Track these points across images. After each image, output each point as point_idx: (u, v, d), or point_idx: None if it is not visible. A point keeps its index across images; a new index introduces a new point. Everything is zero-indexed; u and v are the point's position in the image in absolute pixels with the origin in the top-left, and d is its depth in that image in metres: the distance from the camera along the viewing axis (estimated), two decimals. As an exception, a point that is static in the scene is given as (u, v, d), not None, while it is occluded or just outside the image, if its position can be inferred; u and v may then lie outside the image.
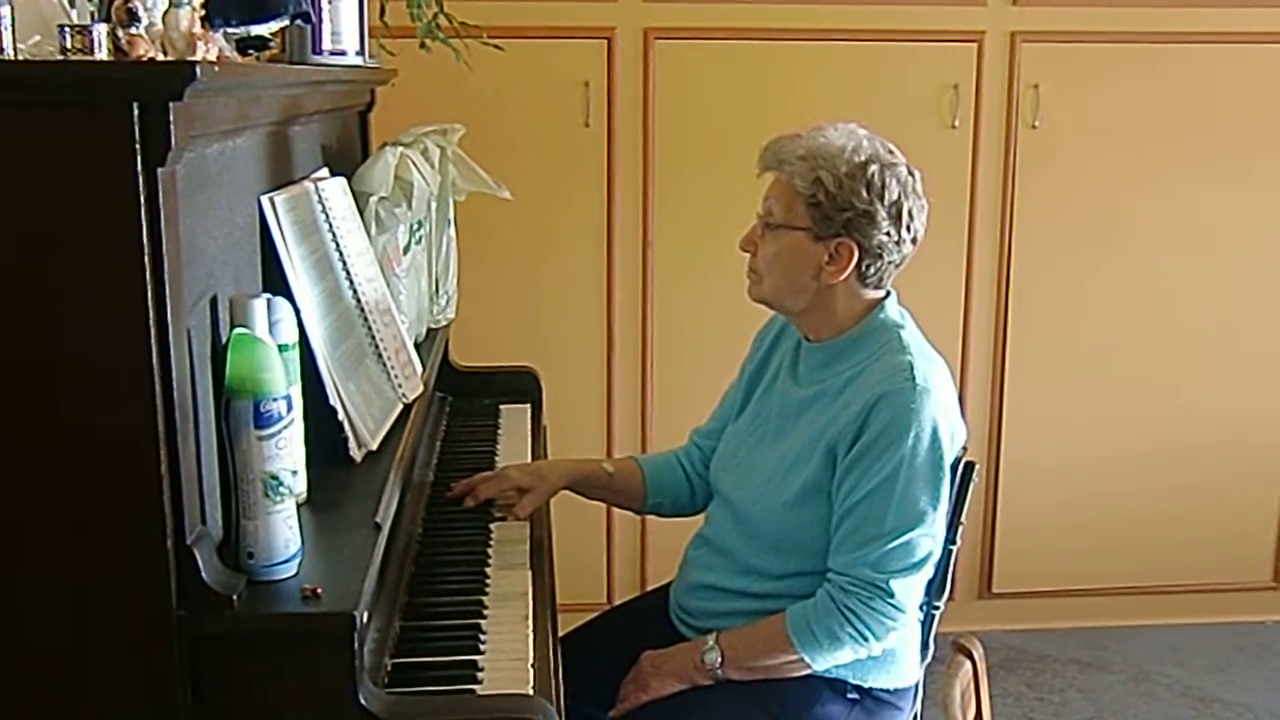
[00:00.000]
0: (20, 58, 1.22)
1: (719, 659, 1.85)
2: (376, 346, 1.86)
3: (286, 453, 1.33)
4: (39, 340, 1.17)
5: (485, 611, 1.67)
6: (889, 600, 1.77)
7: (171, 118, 1.13)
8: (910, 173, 1.85)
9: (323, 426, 1.60)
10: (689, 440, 2.18)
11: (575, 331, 3.30)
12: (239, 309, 1.36)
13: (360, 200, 2.01)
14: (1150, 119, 3.36)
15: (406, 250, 2.21)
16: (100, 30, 1.22)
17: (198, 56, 1.33)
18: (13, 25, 1.19)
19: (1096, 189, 3.39)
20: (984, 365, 3.46)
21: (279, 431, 1.32)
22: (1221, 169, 3.41)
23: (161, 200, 1.15)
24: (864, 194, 1.79)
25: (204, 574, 1.23)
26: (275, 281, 1.58)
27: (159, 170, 1.14)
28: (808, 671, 1.83)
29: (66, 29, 1.21)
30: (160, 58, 1.30)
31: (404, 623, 1.62)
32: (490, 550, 1.88)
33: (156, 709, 1.24)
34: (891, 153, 1.85)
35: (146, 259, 1.15)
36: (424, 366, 2.06)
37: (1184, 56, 3.33)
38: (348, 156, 2.28)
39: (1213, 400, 3.53)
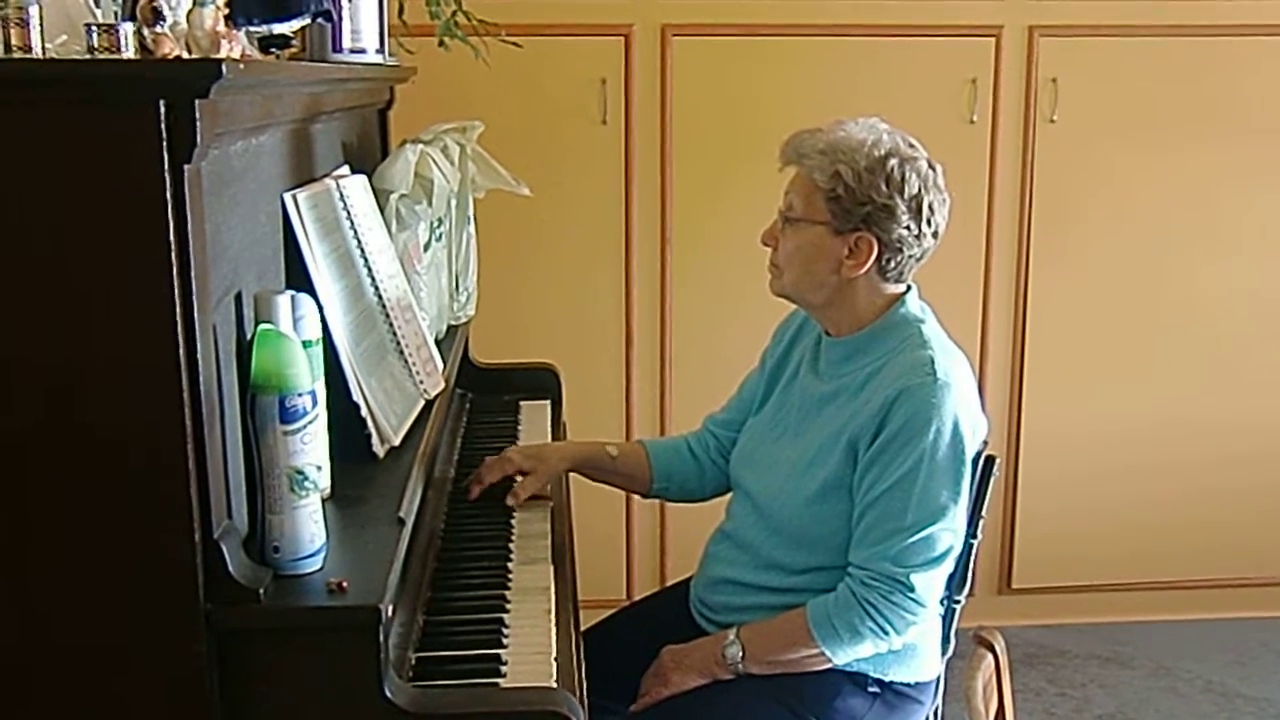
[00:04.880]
0: (48, 57, 1.23)
1: (740, 653, 1.85)
2: (398, 343, 1.87)
3: (311, 448, 1.34)
4: (65, 336, 1.18)
5: (508, 606, 1.67)
6: (910, 594, 1.77)
7: (197, 115, 1.14)
8: (931, 167, 1.84)
9: (346, 422, 1.61)
10: (702, 426, 2.18)
11: (594, 328, 3.30)
12: (263, 305, 1.37)
13: (381, 198, 2.02)
14: (1170, 113, 3.35)
15: (427, 247, 2.22)
16: (126, 29, 1.23)
17: (221, 55, 1.34)
18: (41, 24, 1.20)
19: (1115, 183, 3.37)
20: (1003, 360, 3.46)
21: (304, 427, 1.33)
22: (1242, 163, 3.39)
23: (187, 197, 1.16)
24: (883, 188, 1.79)
25: (230, 568, 1.24)
26: (298, 278, 1.60)
27: (185, 167, 1.15)
28: (828, 665, 1.83)
29: (93, 28, 1.22)
30: (185, 56, 1.31)
31: (427, 617, 1.62)
32: (512, 545, 1.89)
33: (184, 702, 1.25)
34: (913, 147, 1.84)
35: (172, 255, 1.16)
36: (445, 363, 2.06)
37: (1203, 50, 3.32)
38: (368, 154, 2.30)
39: (1232, 393, 3.52)
